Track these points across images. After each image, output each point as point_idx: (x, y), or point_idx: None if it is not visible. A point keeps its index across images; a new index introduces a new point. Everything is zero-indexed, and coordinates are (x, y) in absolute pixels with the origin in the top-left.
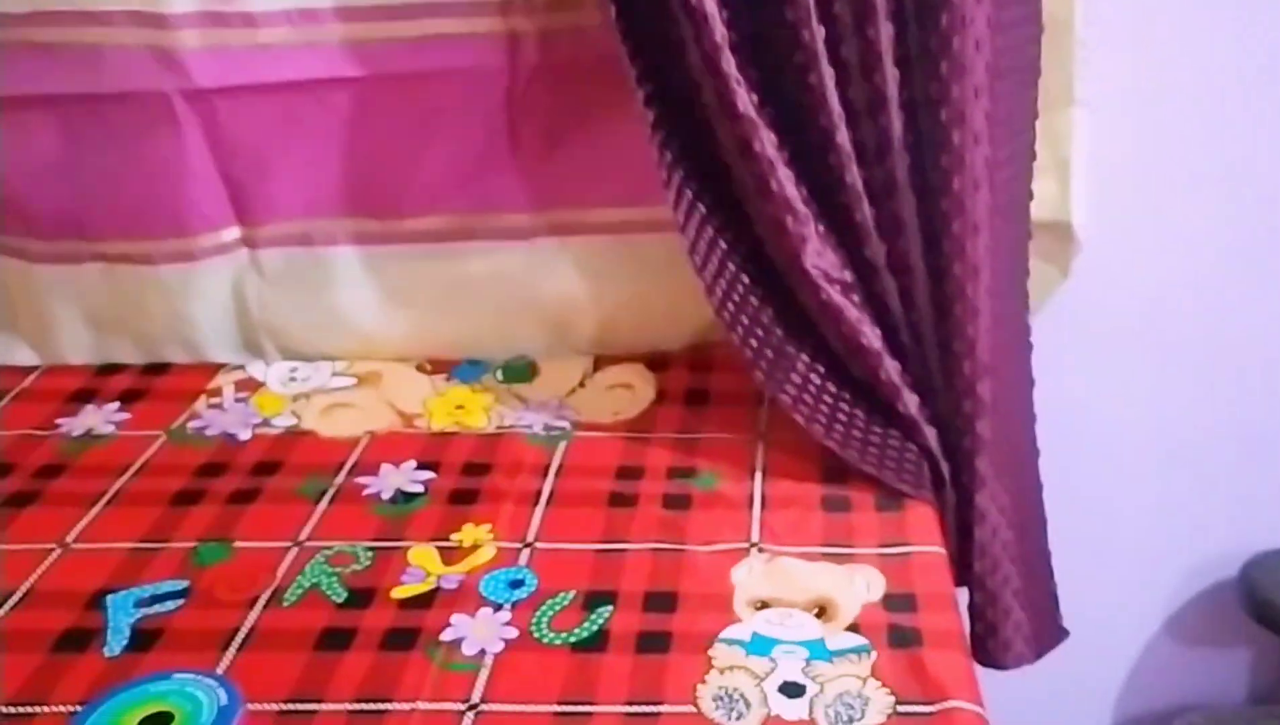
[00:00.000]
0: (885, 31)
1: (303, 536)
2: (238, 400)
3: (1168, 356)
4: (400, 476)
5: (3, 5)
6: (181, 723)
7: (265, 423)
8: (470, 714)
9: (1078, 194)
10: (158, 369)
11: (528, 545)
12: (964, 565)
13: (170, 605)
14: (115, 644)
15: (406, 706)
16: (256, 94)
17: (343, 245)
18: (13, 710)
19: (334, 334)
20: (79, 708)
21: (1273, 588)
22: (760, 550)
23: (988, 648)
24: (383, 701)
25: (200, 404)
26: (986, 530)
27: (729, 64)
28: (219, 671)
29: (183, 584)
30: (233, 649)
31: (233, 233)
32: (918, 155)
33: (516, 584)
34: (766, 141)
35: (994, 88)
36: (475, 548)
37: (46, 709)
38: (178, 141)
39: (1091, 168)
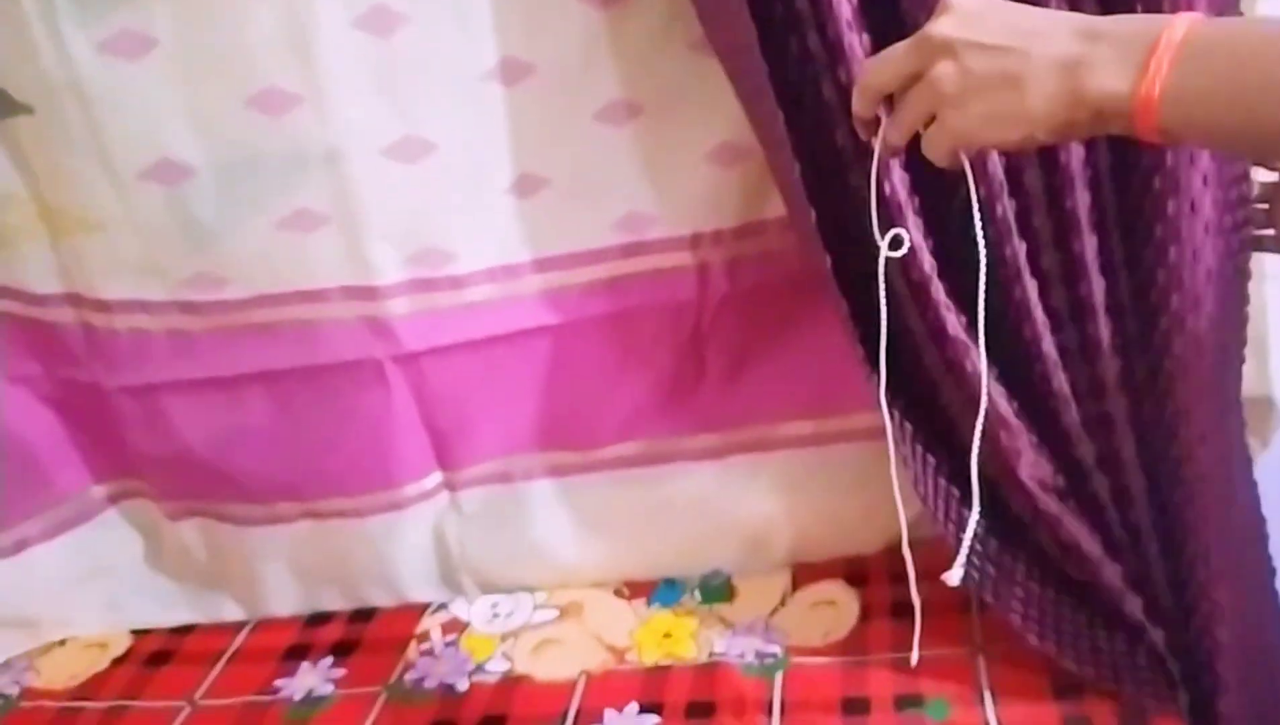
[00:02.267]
0: (1089, 243)
1: None
2: (448, 644)
3: None
4: (627, 723)
5: (228, 293)
6: None
7: (479, 668)
8: None
9: (1277, 368)
10: (364, 615)
11: None
12: None
13: None
14: None
15: None
16: (461, 350)
17: (539, 479)
18: None
19: (532, 564)
20: None
21: None
22: None
23: None
24: None
25: (411, 652)
26: None
27: (938, 291)
28: None
29: None
30: None
31: (435, 478)
32: (1127, 357)
33: None
34: (979, 360)
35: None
36: None
37: None
38: (387, 402)
39: None
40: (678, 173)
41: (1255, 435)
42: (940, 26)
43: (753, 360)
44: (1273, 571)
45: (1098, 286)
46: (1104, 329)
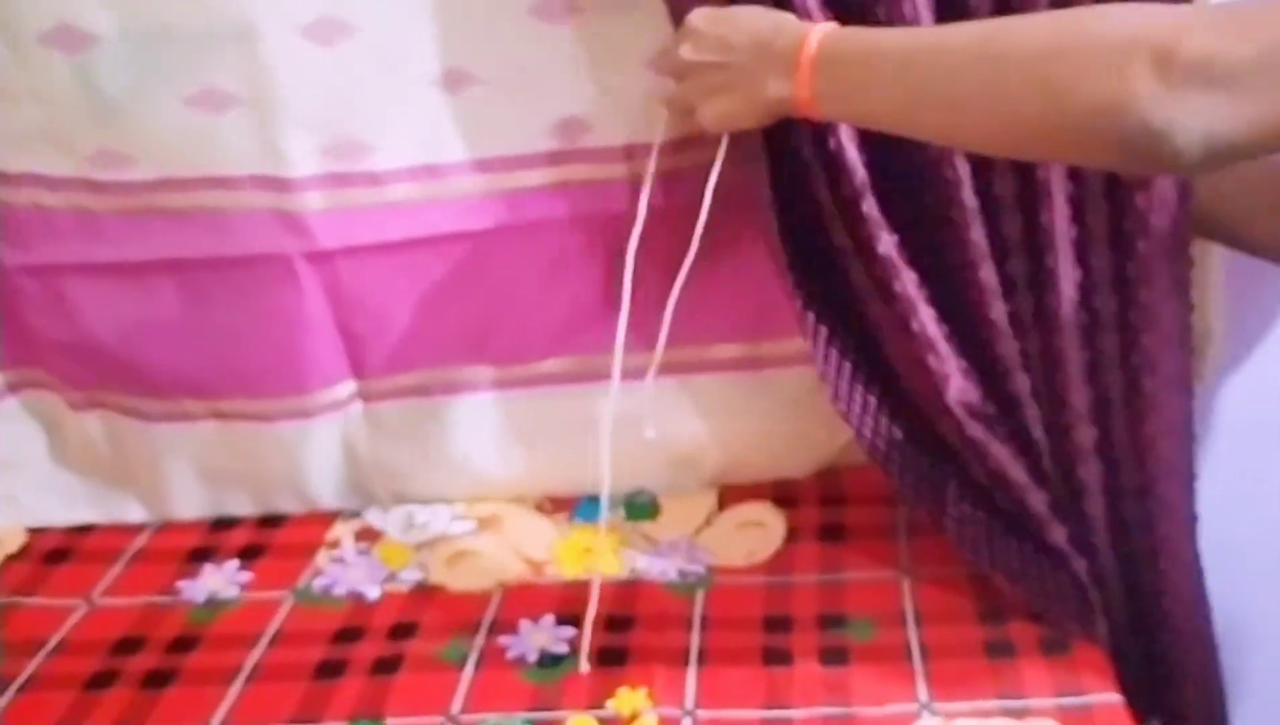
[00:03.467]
0: (1044, 174)
1: (455, 709)
2: (360, 552)
3: None
4: (542, 634)
5: (135, 173)
6: None
7: (392, 577)
8: None
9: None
10: (273, 521)
11: (689, 713)
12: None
13: None
14: None
15: None
16: (379, 252)
17: (460, 394)
18: None
19: (449, 478)
20: None
21: None
22: (933, 712)
23: None
24: None
25: (322, 558)
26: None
27: (870, 206)
28: None
29: None
30: None
31: (348, 387)
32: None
33: None
34: (908, 281)
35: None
36: (635, 717)
37: None
38: (299, 301)
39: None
40: (617, 78)
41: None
42: (681, 51)
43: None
44: (1194, 516)
45: (1056, 216)
46: (1059, 262)
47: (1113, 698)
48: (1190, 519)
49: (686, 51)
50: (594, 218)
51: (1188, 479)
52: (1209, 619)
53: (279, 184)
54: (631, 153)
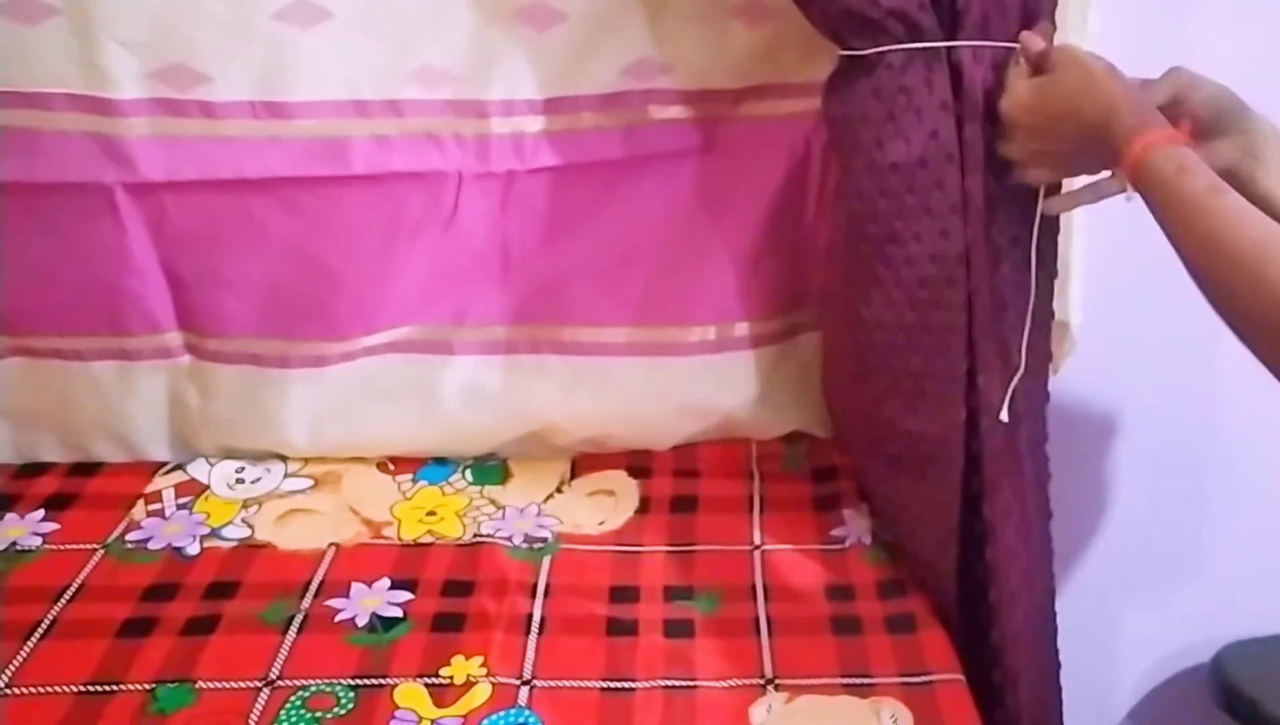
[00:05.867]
0: None
1: (274, 674)
2: (180, 506)
3: (1152, 448)
4: (375, 598)
5: None
6: None
7: (214, 533)
8: None
9: (1076, 295)
10: (87, 469)
11: (526, 683)
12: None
13: None
14: None
15: None
16: (209, 190)
17: (295, 368)
18: None
19: (284, 439)
20: None
21: (1245, 679)
22: (777, 688)
23: None
24: None
25: (138, 511)
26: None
27: None
28: None
29: None
30: None
31: (175, 338)
32: None
33: None
34: None
35: None
36: (469, 685)
37: None
38: (119, 235)
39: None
40: (478, 27)
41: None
42: (1008, 151)
43: (547, 253)
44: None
45: None
46: None
47: (955, 678)
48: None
49: (1012, 151)
50: (448, 176)
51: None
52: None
53: (100, 105)
54: (460, 109)
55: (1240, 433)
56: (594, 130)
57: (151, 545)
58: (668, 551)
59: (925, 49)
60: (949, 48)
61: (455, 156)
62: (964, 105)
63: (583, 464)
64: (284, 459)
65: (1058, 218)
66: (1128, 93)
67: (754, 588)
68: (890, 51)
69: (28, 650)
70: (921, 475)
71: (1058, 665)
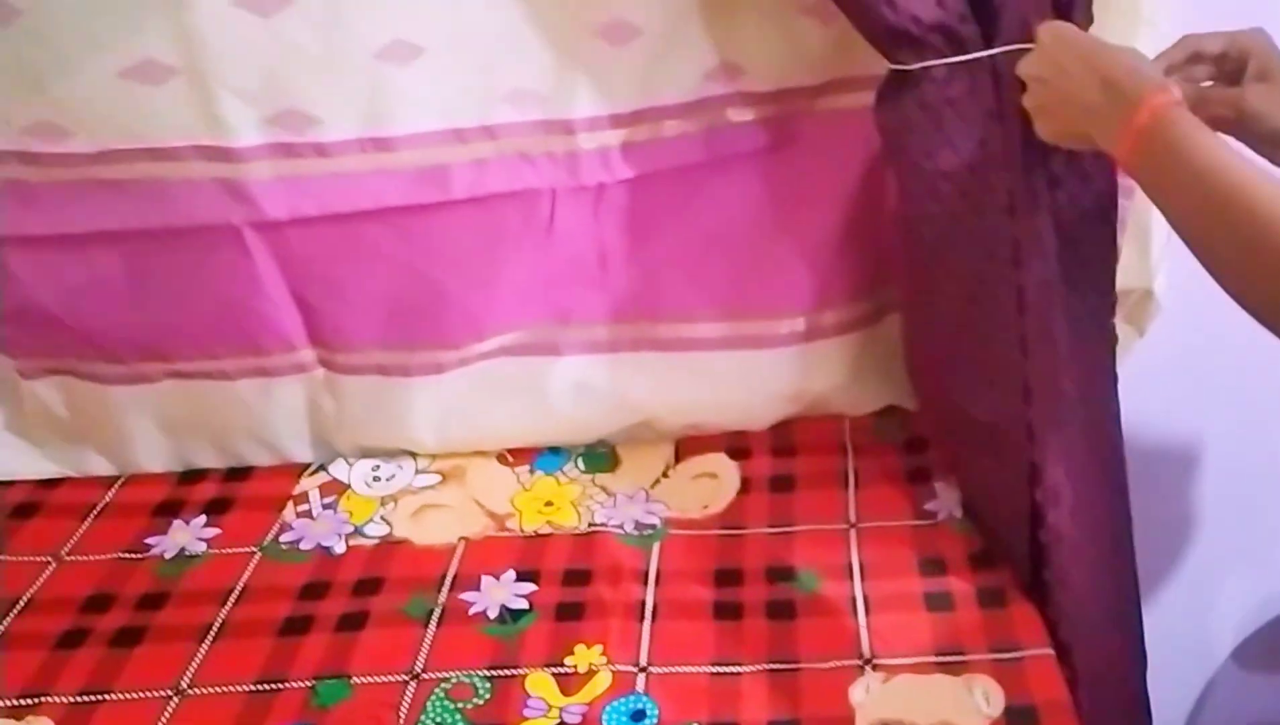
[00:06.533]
0: None
1: (419, 666)
2: (326, 506)
3: (1251, 388)
4: (503, 590)
5: (72, 145)
6: None
7: (357, 531)
8: None
9: (1156, 260)
10: (239, 474)
11: (642, 670)
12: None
13: None
14: None
15: None
16: (328, 223)
17: (416, 376)
18: None
19: (412, 437)
20: None
21: None
22: (874, 668)
23: None
24: None
25: (288, 513)
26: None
27: None
28: None
29: None
30: None
31: (308, 354)
32: None
33: (639, 715)
34: None
35: None
36: (591, 674)
37: None
38: (249, 268)
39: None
40: (561, 47)
41: (1133, 323)
42: (1024, 65)
43: (643, 255)
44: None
45: None
46: None
47: (1045, 653)
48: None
49: (1026, 65)
50: (543, 192)
51: None
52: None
53: (222, 154)
54: (569, 127)
55: None
56: (676, 137)
57: (303, 545)
58: (769, 532)
59: (968, 61)
60: (991, 56)
61: (548, 173)
62: (1005, 106)
63: (685, 447)
64: (414, 456)
65: (1109, 208)
66: (1144, 58)
67: (850, 566)
68: (935, 66)
69: (203, 652)
70: (994, 455)
71: (1135, 645)
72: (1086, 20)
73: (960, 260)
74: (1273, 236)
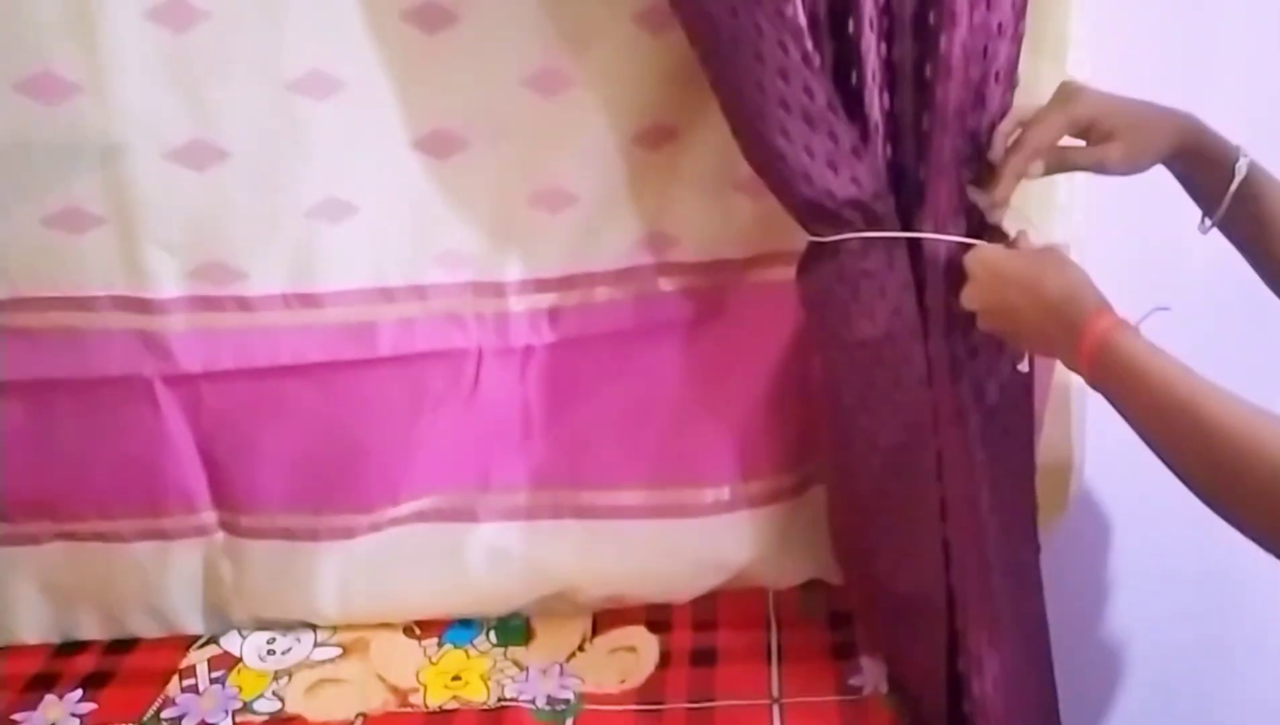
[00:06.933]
0: None
1: None
2: (214, 680)
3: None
4: None
5: None
6: None
7: (246, 707)
8: None
9: (1079, 436)
10: (124, 645)
11: None
12: None
13: None
14: None
15: None
16: (245, 377)
17: (324, 541)
18: None
19: (313, 609)
20: None
21: None
22: None
23: None
24: None
25: (173, 687)
26: None
27: None
28: None
29: None
30: None
31: (210, 515)
32: None
33: None
34: None
35: None
36: None
37: None
38: (157, 423)
39: None
40: (496, 212)
41: (1054, 497)
42: (966, 298)
43: (567, 420)
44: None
45: None
46: None
47: None
48: None
49: (969, 300)
50: (469, 353)
51: None
52: None
53: (141, 304)
54: (500, 291)
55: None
56: (607, 302)
57: (186, 722)
58: (689, 708)
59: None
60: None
61: (475, 334)
62: (925, 275)
63: (604, 620)
64: (314, 628)
65: (1028, 373)
66: (1090, 281)
67: None
68: (850, 239)
69: None
70: (914, 627)
71: None
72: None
73: (879, 429)
74: (1236, 458)
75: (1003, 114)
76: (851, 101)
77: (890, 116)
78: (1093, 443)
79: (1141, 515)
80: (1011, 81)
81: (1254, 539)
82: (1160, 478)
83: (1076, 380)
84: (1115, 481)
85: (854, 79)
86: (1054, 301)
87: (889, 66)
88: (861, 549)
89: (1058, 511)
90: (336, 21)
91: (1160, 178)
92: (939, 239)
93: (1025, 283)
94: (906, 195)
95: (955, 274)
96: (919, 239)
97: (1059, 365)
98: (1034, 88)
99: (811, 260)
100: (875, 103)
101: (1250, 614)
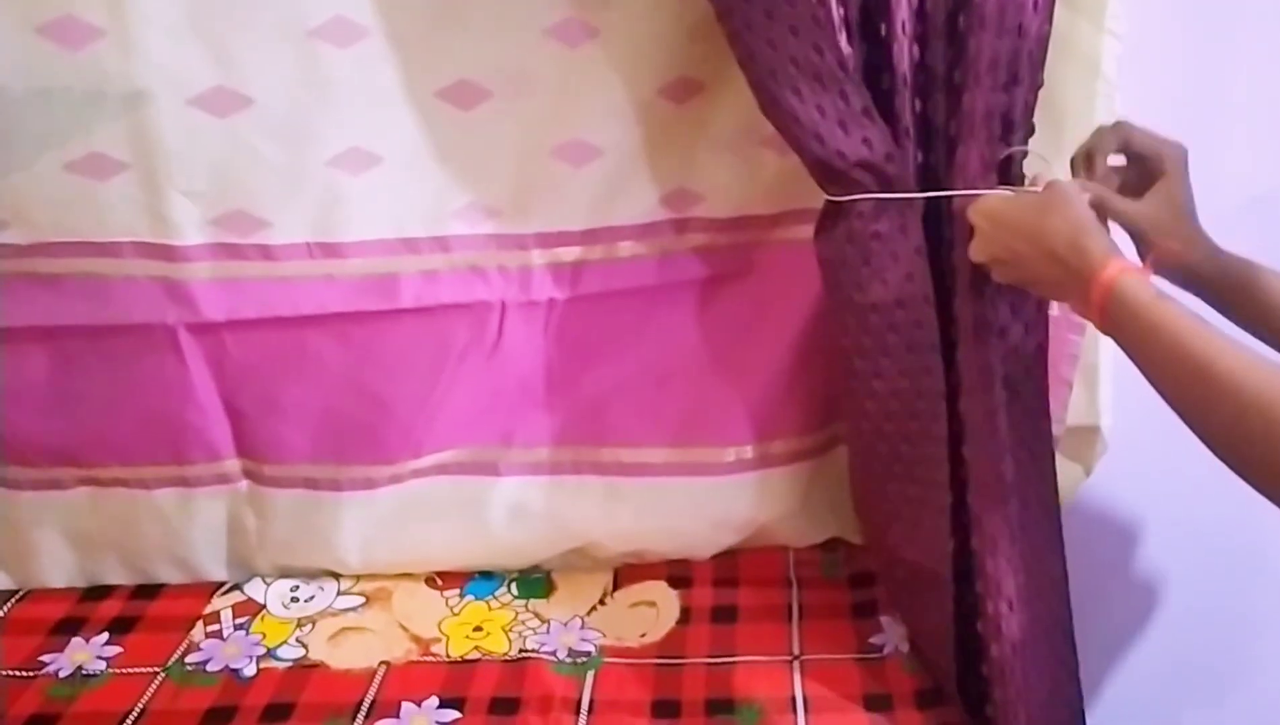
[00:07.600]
0: None
1: None
2: (238, 627)
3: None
4: (424, 717)
5: (6, 237)
6: None
7: (270, 654)
8: None
9: (1105, 398)
10: (149, 591)
11: None
12: None
13: None
14: None
15: None
16: (268, 327)
17: (347, 491)
18: None
19: (338, 553)
20: None
21: None
22: None
23: None
24: None
25: (197, 632)
26: None
27: None
28: None
29: None
30: None
31: (234, 464)
32: None
33: None
34: None
35: None
36: None
37: None
38: (181, 372)
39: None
40: (519, 164)
41: (1078, 461)
42: (975, 251)
43: (589, 376)
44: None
45: None
46: None
47: None
48: None
49: (976, 252)
50: (494, 306)
51: None
52: None
53: (164, 251)
54: (522, 242)
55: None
56: (631, 259)
57: (210, 667)
58: (709, 663)
59: (896, 199)
60: (921, 199)
61: (499, 287)
62: (952, 235)
63: (625, 575)
64: (337, 577)
65: (1043, 343)
66: (1098, 223)
67: (794, 699)
68: (862, 200)
69: None
70: (922, 595)
71: None
72: (1028, 132)
73: (891, 394)
74: (1249, 412)
75: (1034, 71)
76: (877, 56)
77: (920, 69)
78: (1119, 405)
79: (1166, 480)
80: (1045, 32)
81: (1267, 496)
82: (1186, 442)
83: (1105, 343)
84: (1141, 446)
85: (883, 30)
86: (1059, 248)
87: (920, 17)
88: (877, 513)
89: (1080, 476)
90: None
91: None
92: (948, 195)
93: (1028, 231)
94: (935, 152)
95: (965, 229)
96: (939, 199)
97: (1089, 327)
98: (1073, 46)
99: (828, 221)
100: (905, 55)
101: (1277, 582)
